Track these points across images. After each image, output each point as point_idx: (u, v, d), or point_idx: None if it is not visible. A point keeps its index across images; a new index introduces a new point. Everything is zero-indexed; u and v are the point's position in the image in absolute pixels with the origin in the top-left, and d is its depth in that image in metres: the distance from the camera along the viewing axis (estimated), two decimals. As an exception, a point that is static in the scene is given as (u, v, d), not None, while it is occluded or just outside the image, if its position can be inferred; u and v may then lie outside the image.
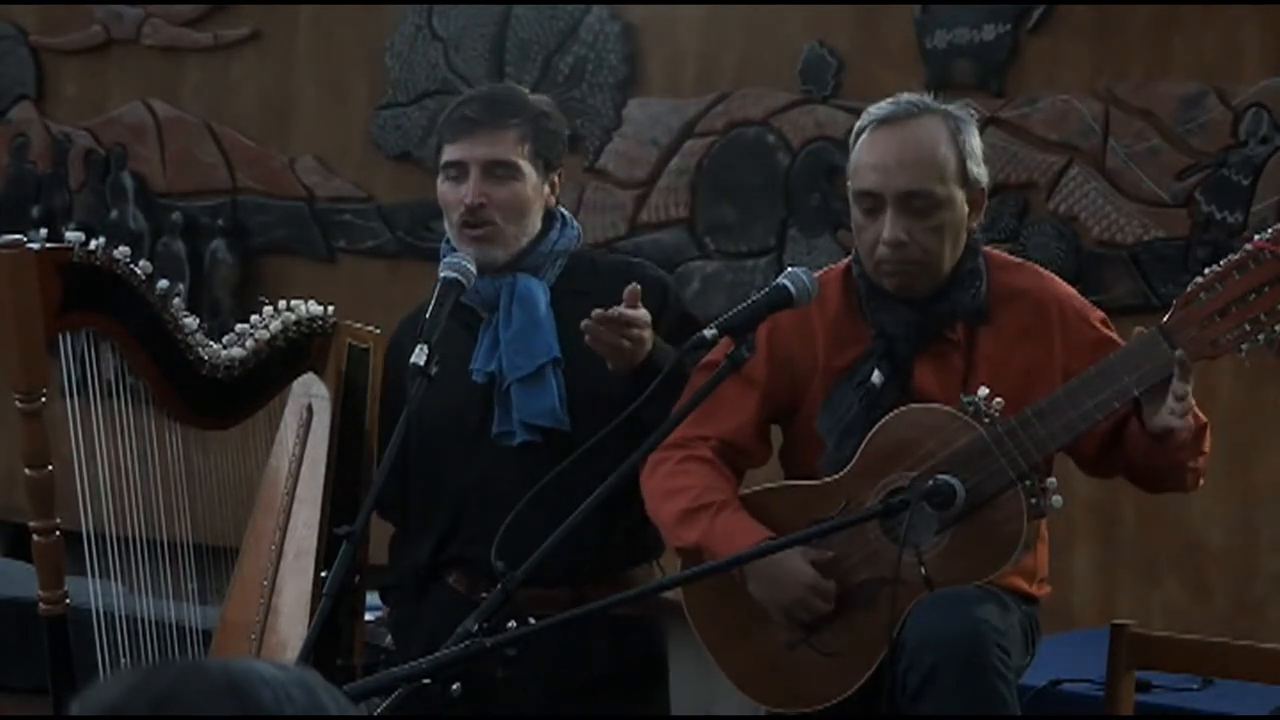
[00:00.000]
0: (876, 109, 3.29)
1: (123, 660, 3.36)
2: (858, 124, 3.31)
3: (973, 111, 3.37)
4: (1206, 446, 3.24)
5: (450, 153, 3.52)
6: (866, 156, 3.25)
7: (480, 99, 3.58)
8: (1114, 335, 3.29)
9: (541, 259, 3.54)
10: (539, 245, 3.54)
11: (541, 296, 3.51)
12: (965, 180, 3.25)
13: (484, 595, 3.42)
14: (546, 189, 3.55)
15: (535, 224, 3.53)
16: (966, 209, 3.26)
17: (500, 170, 3.48)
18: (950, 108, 3.31)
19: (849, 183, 3.31)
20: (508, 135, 3.49)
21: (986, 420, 3.11)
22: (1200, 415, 3.21)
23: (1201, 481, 3.31)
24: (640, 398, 2.91)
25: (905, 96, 3.31)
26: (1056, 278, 3.40)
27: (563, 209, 3.63)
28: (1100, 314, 3.35)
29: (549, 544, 2.71)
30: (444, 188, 3.53)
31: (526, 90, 3.67)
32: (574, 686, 3.49)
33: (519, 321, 3.48)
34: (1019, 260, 3.46)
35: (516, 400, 3.46)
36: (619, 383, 3.33)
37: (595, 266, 3.62)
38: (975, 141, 3.28)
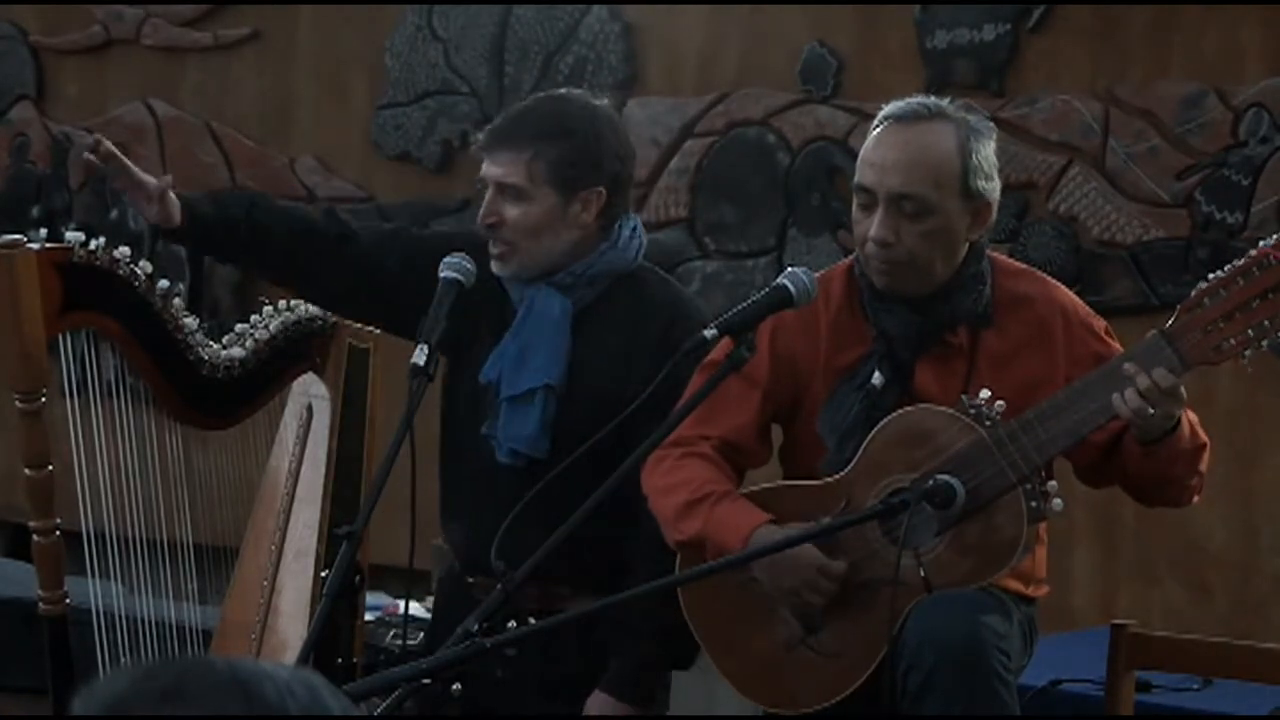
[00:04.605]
0: (894, 106, 3.27)
1: (123, 660, 3.36)
2: (876, 118, 3.30)
3: (993, 125, 3.33)
4: (1204, 466, 3.22)
5: (483, 167, 3.51)
6: (870, 152, 3.25)
7: (510, 114, 3.53)
8: (1117, 345, 3.28)
9: (572, 278, 3.47)
10: (573, 264, 3.47)
11: (556, 314, 3.46)
12: (967, 191, 3.22)
13: (471, 580, 3.44)
14: (577, 208, 3.45)
15: (561, 243, 3.45)
16: (967, 220, 3.24)
17: (510, 192, 3.44)
18: (971, 118, 3.26)
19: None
20: (517, 157, 3.43)
21: (988, 423, 3.11)
22: (1202, 435, 3.20)
23: (1196, 499, 3.29)
24: (632, 405, 2.91)
25: (928, 99, 3.28)
26: (1061, 285, 3.38)
27: (632, 222, 3.53)
28: (1103, 323, 3.34)
29: (549, 545, 2.71)
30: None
31: (577, 98, 3.56)
32: (569, 687, 3.49)
33: (525, 337, 3.46)
34: (1025, 266, 3.44)
35: (504, 419, 3.46)
36: (607, 416, 3.30)
37: (639, 294, 3.51)
38: (986, 154, 3.23)
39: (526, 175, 3.43)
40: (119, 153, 3.44)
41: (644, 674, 3.40)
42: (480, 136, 3.53)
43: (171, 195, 3.43)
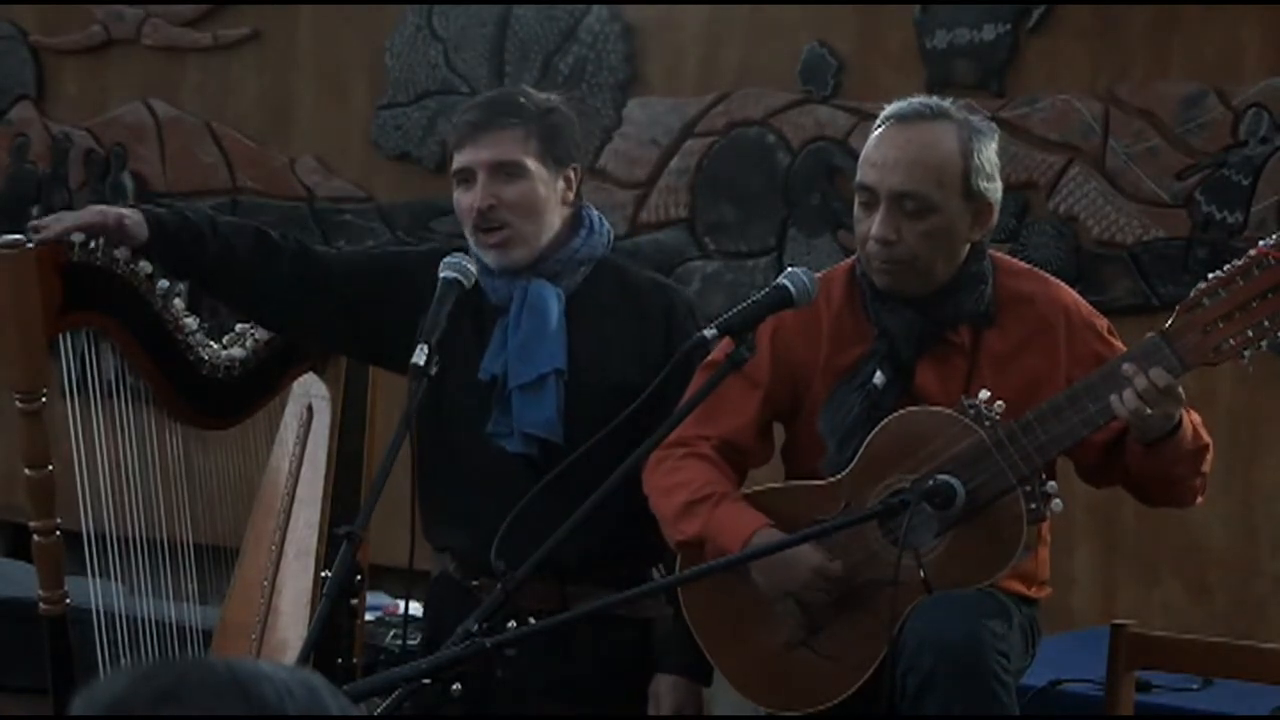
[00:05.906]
0: (896, 106, 3.28)
1: (123, 660, 3.36)
2: (878, 118, 3.30)
3: (994, 126, 3.33)
4: (1207, 467, 3.22)
5: (458, 160, 3.50)
6: (872, 152, 3.26)
7: (482, 103, 3.57)
8: (1119, 344, 3.28)
9: (560, 265, 3.50)
10: (559, 251, 3.50)
11: (553, 303, 3.47)
12: (969, 192, 3.22)
13: (475, 583, 3.44)
14: (562, 185, 3.50)
15: (553, 223, 3.49)
16: (968, 220, 3.24)
17: (507, 170, 3.45)
18: (974, 118, 3.27)
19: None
20: (510, 135, 3.46)
21: (987, 424, 3.11)
22: (1204, 435, 3.20)
23: (1200, 500, 3.30)
24: (636, 401, 2.91)
25: (930, 99, 3.29)
26: (1064, 284, 3.38)
27: (594, 211, 3.60)
28: (1105, 322, 3.34)
29: (550, 544, 2.71)
30: (457, 195, 3.51)
31: (533, 90, 3.62)
32: (570, 686, 3.49)
33: (526, 328, 3.46)
34: (1027, 266, 3.44)
35: (517, 408, 3.45)
36: (622, 401, 3.31)
37: (623, 279, 3.57)
38: (988, 155, 3.23)
39: (523, 150, 3.45)
40: (50, 225, 3.32)
41: (702, 654, 3.39)
42: (456, 129, 3.52)
43: (126, 218, 3.36)
